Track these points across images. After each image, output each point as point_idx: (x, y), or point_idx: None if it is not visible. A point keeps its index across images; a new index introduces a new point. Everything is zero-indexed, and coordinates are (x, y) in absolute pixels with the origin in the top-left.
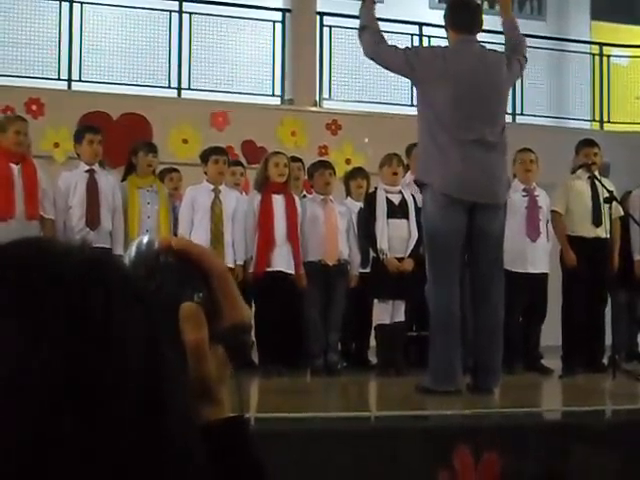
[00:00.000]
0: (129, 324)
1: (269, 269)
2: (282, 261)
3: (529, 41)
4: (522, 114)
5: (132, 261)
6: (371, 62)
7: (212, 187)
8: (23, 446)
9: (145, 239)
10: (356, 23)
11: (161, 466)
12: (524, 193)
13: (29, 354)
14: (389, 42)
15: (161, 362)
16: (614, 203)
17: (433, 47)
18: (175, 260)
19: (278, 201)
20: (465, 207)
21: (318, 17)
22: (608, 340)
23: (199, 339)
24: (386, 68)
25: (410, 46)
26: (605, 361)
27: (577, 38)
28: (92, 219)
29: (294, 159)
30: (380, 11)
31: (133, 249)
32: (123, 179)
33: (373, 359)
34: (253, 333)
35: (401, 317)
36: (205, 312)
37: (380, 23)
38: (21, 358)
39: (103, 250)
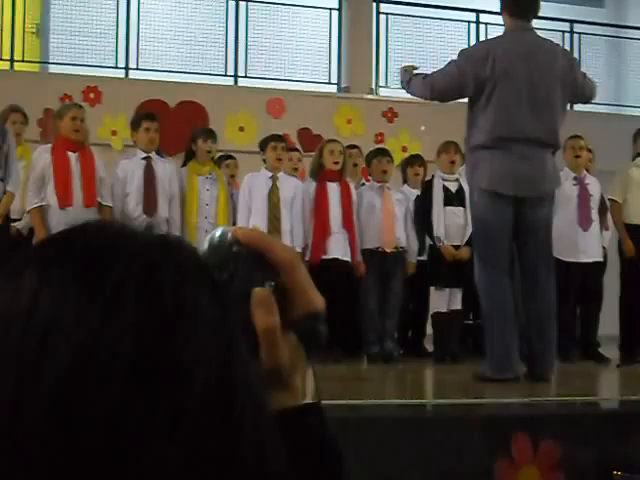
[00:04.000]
0: (201, 308)
1: (325, 256)
2: (338, 248)
3: (588, 28)
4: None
5: (205, 251)
6: (426, 49)
7: (270, 174)
8: (89, 428)
9: (218, 231)
10: (411, 10)
11: (234, 454)
12: (574, 182)
13: (99, 330)
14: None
15: (233, 349)
16: None
17: (482, 44)
18: (247, 250)
19: (333, 189)
20: (511, 200)
21: (374, 4)
22: None
23: (271, 325)
24: (450, 95)
25: (458, 51)
26: None
27: (636, 25)
28: (149, 206)
29: (351, 146)
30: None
31: (207, 240)
32: (183, 165)
33: (430, 347)
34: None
35: (458, 305)
36: (277, 300)
37: (436, 10)
38: (92, 333)
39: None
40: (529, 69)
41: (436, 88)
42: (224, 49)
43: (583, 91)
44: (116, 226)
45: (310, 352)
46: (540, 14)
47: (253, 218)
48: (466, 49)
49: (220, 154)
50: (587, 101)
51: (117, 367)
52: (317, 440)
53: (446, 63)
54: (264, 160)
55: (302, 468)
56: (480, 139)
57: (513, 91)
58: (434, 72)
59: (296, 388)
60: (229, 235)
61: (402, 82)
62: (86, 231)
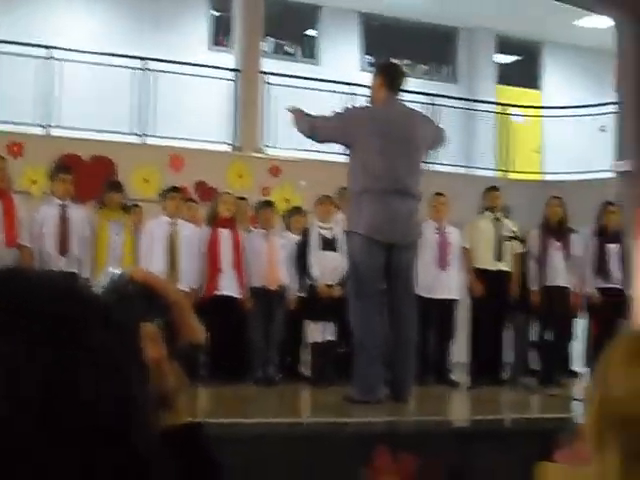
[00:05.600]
0: (105, 346)
1: (217, 293)
2: (229, 286)
3: (444, 101)
4: (437, 163)
5: (105, 289)
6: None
7: (169, 220)
8: None
9: (117, 271)
10: (294, 82)
11: (127, 471)
12: (436, 230)
13: (12, 375)
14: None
15: (130, 380)
16: (514, 240)
17: (361, 107)
18: (141, 290)
19: (225, 234)
20: (384, 246)
21: (263, 76)
22: (507, 358)
23: (158, 356)
24: (326, 138)
25: (340, 109)
26: (505, 376)
27: (484, 99)
28: (63, 247)
29: (241, 198)
30: (315, 72)
31: (107, 279)
32: (96, 212)
33: (305, 372)
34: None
35: (332, 336)
36: (165, 333)
37: (314, 83)
38: (8, 376)
39: (76, 276)
40: (402, 131)
41: (317, 126)
42: (132, 111)
43: (437, 139)
44: (27, 277)
45: (192, 377)
46: (405, 88)
47: (154, 259)
48: (349, 107)
49: (128, 203)
50: (441, 145)
51: (24, 411)
52: (199, 454)
53: (331, 113)
54: (164, 208)
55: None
56: (361, 189)
57: (389, 149)
58: (320, 116)
59: (180, 409)
60: (126, 276)
61: (295, 114)
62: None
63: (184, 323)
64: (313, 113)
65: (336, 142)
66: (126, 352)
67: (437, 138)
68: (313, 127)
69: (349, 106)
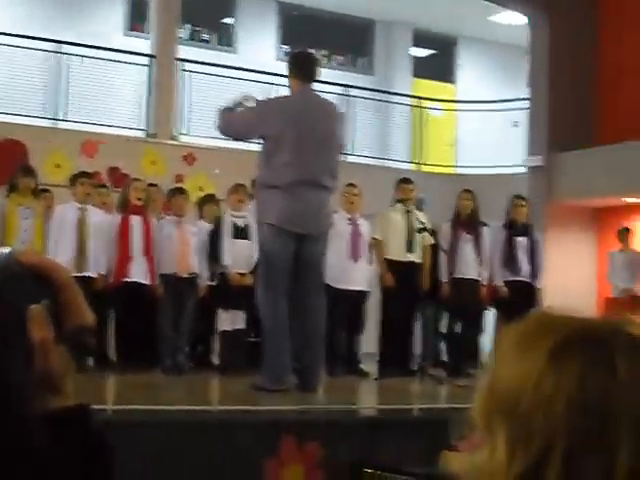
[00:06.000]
0: None
1: (127, 279)
2: (138, 273)
3: (360, 93)
4: (352, 154)
5: None
6: (222, 102)
7: (79, 206)
8: None
9: (5, 250)
10: (211, 69)
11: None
12: (348, 221)
13: None
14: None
15: (12, 361)
16: (425, 232)
17: (274, 99)
18: (28, 271)
19: (136, 221)
20: (294, 236)
21: (178, 63)
22: (417, 349)
23: (44, 338)
24: (241, 134)
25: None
26: (414, 367)
27: (400, 92)
28: None
29: (153, 185)
30: (232, 60)
31: None
32: (6, 196)
33: (216, 361)
34: (113, 335)
35: (242, 324)
36: (52, 315)
37: (231, 71)
38: None
39: None
40: (315, 122)
41: (228, 125)
42: (46, 95)
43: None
44: None
45: (79, 361)
46: (319, 78)
47: (63, 245)
48: (262, 100)
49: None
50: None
51: None
52: (87, 437)
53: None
54: (74, 194)
55: (72, 462)
56: (271, 180)
57: (302, 140)
58: (234, 113)
59: (66, 391)
60: (13, 256)
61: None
62: None
63: (73, 306)
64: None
65: (250, 136)
66: (11, 332)
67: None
68: (226, 123)
69: (260, 99)
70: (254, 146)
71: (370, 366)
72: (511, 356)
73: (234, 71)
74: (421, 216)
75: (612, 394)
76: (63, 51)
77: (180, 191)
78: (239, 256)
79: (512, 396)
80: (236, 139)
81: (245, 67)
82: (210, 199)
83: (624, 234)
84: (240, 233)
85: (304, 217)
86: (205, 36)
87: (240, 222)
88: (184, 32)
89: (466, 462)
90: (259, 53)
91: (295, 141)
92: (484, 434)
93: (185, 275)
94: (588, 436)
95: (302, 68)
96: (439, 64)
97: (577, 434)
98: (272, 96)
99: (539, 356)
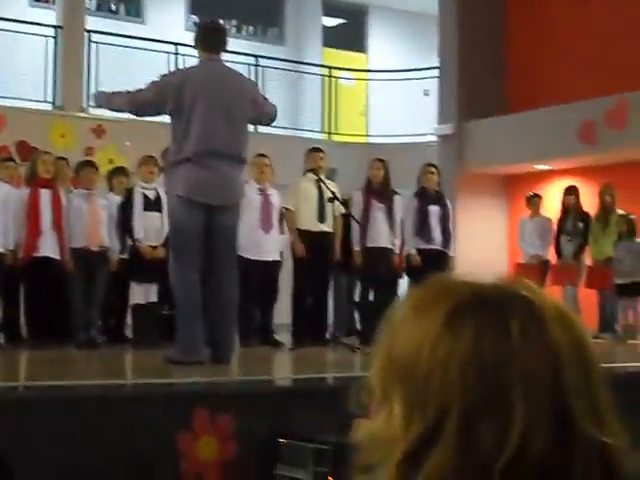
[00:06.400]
0: None
1: (36, 254)
2: (48, 247)
3: (271, 63)
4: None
5: None
6: (132, 74)
7: None
8: None
9: None
10: (121, 40)
11: None
12: (259, 192)
13: None
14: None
15: None
16: (336, 202)
17: (180, 71)
18: None
19: (45, 194)
20: (204, 208)
21: (86, 34)
22: (331, 318)
23: None
24: (148, 110)
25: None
26: (328, 336)
27: (311, 62)
28: None
29: (61, 158)
30: (140, 31)
31: None
32: None
33: (130, 334)
34: (23, 311)
35: (154, 298)
36: None
37: (140, 42)
38: None
39: None
40: (222, 93)
41: (137, 103)
42: None
43: (264, 112)
44: None
45: None
46: (230, 49)
47: None
48: (166, 74)
49: None
50: (270, 122)
51: None
52: None
53: (148, 83)
54: None
55: None
56: (180, 152)
57: (209, 111)
58: (136, 90)
59: None
60: None
61: (100, 100)
62: None
63: None
64: (119, 90)
65: (158, 111)
66: None
67: (265, 111)
68: (133, 102)
69: (165, 73)
70: (166, 118)
71: (284, 336)
72: (408, 321)
73: (143, 42)
74: (332, 186)
75: (506, 357)
76: None
77: (89, 164)
78: (150, 229)
79: (408, 361)
80: (143, 115)
81: (154, 38)
82: (119, 171)
83: (533, 200)
84: (151, 205)
85: (214, 188)
86: (113, 6)
87: (151, 194)
88: (91, 2)
89: (365, 429)
90: (168, 24)
91: (203, 112)
92: (381, 400)
93: (96, 249)
94: (483, 399)
95: (208, 38)
96: (350, 33)
97: (472, 397)
98: (181, 67)
99: (435, 320)
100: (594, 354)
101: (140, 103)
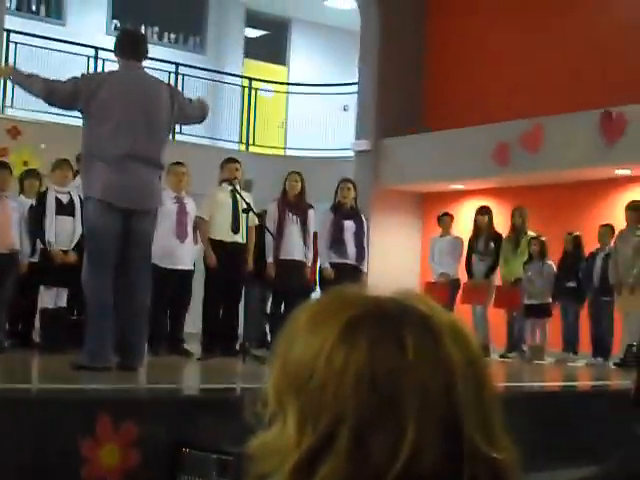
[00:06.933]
0: None
1: None
2: None
3: (191, 71)
4: (181, 133)
5: None
6: (50, 75)
7: None
8: None
9: None
10: (40, 41)
11: None
12: (175, 200)
13: None
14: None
15: None
16: (250, 213)
17: (100, 73)
18: None
19: None
20: (120, 212)
21: (5, 33)
22: (242, 329)
23: None
24: (61, 102)
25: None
26: (238, 347)
27: (231, 72)
28: None
29: None
30: (60, 33)
31: None
32: None
33: (37, 338)
34: None
35: (63, 302)
36: None
37: (60, 45)
38: None
39: None
40: (141, 98)
41: (52, 90)
42: None
43: (192, 115)
44: None
45: None
46: (150, 55)
47: None
48: (86, 74)
49: None
50: (202, 120)
51: None
52: None
53: (68, 78)
54: None
55: None
56: (96, 152)
57: (127, 116)
58: (54, 79)
59: None
60: None
61: (17, 77)
62: None
63: None
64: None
65: (69, 106)
66: None
67: (194, 111)
68: (50, 90)
69: (86, 72)
70: (81, 121)
71: (194, 346)
72: (304, 332)
73: (62, 44)
74: (247, 197)
75: (400, 371)
76: None
77: (2, 165)
78: (62, 233)
79: (303, 371)
80: (57, 107)
81: (74, 41)
82: (32, 174)
83: (444, 219)
84: (63, 209)
85: (132, 192)
86: (33, 7)
87: (64, 198)
88: (11, 2)
89: (259, 440)
90: (89, 27)
91: (121, 116)
92: (276, 411)
93: (5, 251)
94: (375, 411)
95: (127, 46)
96: (271, 45)
97: (365, 409)
98: (100, 70)
99: (331, 331)
100: (487, 370)
101: (54, 91)
